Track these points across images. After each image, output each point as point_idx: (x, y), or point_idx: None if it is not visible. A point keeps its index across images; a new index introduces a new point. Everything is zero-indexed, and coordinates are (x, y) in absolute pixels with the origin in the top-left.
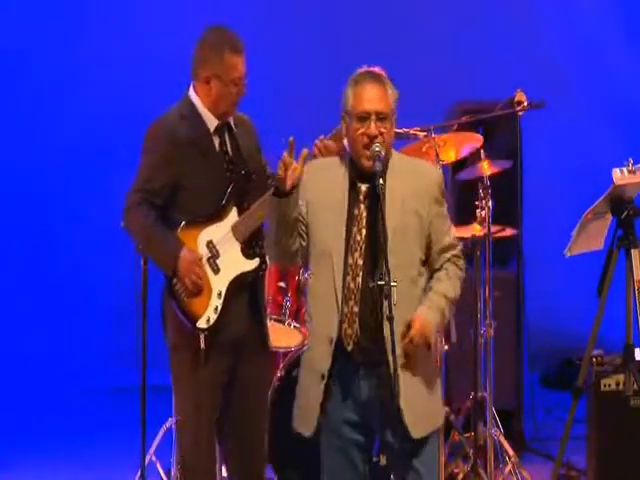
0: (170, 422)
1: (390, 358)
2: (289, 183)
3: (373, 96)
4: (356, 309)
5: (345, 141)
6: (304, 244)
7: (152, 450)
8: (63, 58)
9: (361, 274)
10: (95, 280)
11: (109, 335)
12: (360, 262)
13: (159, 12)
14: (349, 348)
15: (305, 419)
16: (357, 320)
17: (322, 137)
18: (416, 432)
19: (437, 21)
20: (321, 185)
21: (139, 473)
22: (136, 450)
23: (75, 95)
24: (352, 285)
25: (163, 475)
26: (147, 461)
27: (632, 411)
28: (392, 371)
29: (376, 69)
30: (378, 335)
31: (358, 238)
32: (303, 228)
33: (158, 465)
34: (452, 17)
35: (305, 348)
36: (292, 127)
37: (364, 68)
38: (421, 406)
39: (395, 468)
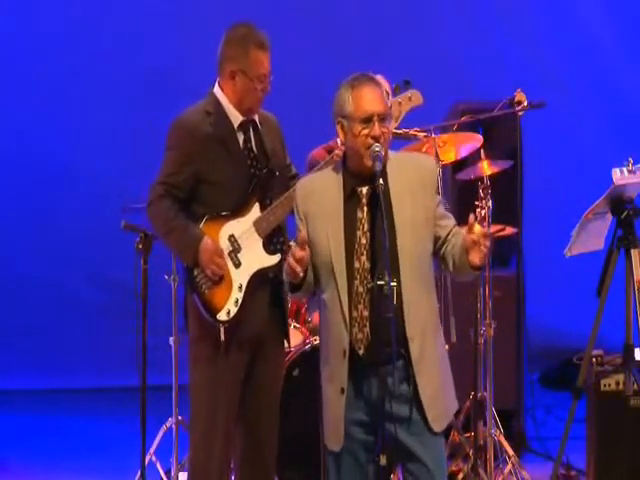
0: (170, 422)
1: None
2: (300, 274)
3: (373, 97)
4: (366, 313)
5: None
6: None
7: (152, 450)
8: (79, 50)
9: (369, 277)
10: (95, 280)
11: (109, 335)
12: (367, 265)
13: (163, 12)
14: (360, 352)
15: (333, 434)
16: (367, 324)
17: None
18: (437, 426)
19: (437, 22)
20: (316, 197)
21: (139, 473)
22: (136, 450)
23: (75, 98)
24: (360, 289)
25: (163, 475)
26: (147, 461)
27: (632, 411)
28: (393, 368)
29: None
30: (390, 334)
31: (363, 241)
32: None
33: (158, 465)
34: (452, 17)
35: (307, 347)
36: (293, 128)
37: (356, 73)
38: (440, 400)
39: (403, 465)
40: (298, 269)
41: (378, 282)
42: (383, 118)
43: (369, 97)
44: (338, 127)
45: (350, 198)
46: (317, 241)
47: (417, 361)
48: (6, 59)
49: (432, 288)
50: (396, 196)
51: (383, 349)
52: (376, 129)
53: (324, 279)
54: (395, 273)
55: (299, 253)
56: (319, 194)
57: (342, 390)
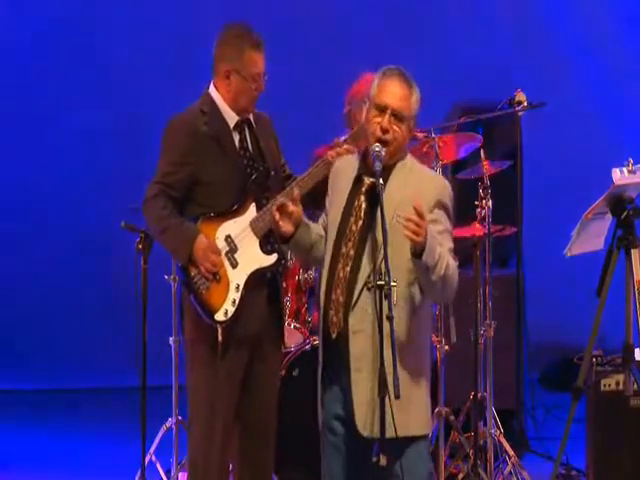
0: (170, 422)
1: (389, 355)
2: (289, 228)
3: (395, 92)
4: (342, 299)
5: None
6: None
7: (152, 450)
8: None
9: (350, 264)
10: (95, 280)
11: (109, 335)
12: (352, 252)
13: (168, 12)
14: (333, 336)
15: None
16: (342, 310)
17: (337, 140)
18: (362, 427)
19: (437, 21)
20: (340, 176)
21: (139, 473)
22: (136, 450)
23: (76, 97)
24: (341, 274)
25: (163, 475)
26: (147, 461)
27: (632, 411)
28: (392, 370)
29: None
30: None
31: (354, 228)
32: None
33: (158, 465)
34: (452, 17)
35: (307, 347)
36: (294, 128)
37: (396, 66)
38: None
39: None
40: (277, 217)
41: (378, 282)
42: (397, 116)
43: (391, 90)
44: (365, 107)
45: (356, 183)
46: (329, 218)
47: (356, 358)
48: (10, 60)
49: (409, 289)
50: (388, 196)
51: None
52: (385, 121)
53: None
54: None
55: (290, 207)
56: (343, 173)
57: (321, 364)
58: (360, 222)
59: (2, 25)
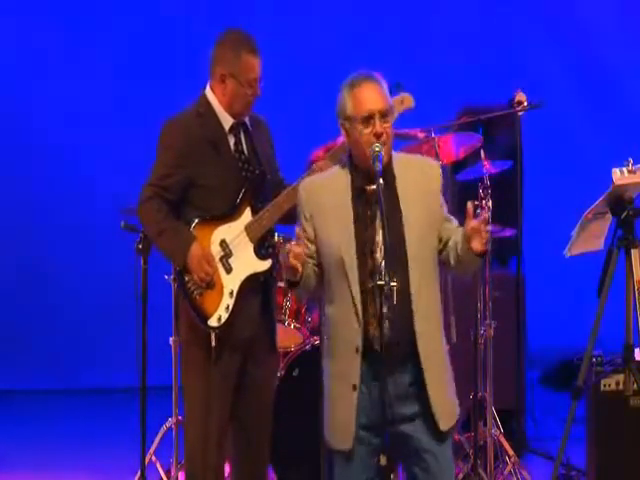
0: (170, 422)
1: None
2: (299, 270)
3: (373, 95)
4: (384, 309)
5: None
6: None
7: (152, 450)
8: (72, 56)
9: (378, 275)
10: (95, 280)
11: (109, 335)
12: (380, 262)
13: (170, 13)
14: (377, 348)
15: (341, 433)
16: (386, 320)
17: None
18: (443, 424)
19: (437, 21)
20: (324, 197)
21: (139, 473)
22: (136, 450)
23: (76, 97)
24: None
25: (163, 475)
26: (147, 461)
27: (632, 411)
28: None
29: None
30: (407, 330)
31: (377, 239)
32: (315, 261)
33: (158, 465)
34: (453, 17)
35: (307, 347)
36: (293, 128)
37: (356, 72)
38: (446, 397)
39: (410, 464)
40: (298, 266)
41: (378, 282)
42: (384, 114)
43: (368, 95)
44: (342, 129)
45: (359, 197)
46: (325, 238)
47: (425, 358)
48: (14, 57)
49: (438, 287)
50: (403, 195)
51: (395, 348)
52: (378, 127)
53: (333, 276)
54: (403, 271)
55: (297, 249)
56: (326, 193)
57: (354, 387)
58: (381, 232)
59: None
